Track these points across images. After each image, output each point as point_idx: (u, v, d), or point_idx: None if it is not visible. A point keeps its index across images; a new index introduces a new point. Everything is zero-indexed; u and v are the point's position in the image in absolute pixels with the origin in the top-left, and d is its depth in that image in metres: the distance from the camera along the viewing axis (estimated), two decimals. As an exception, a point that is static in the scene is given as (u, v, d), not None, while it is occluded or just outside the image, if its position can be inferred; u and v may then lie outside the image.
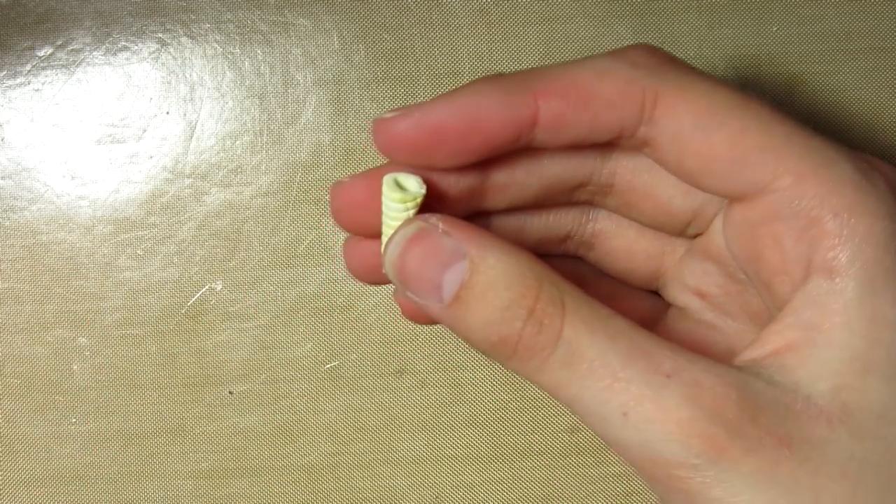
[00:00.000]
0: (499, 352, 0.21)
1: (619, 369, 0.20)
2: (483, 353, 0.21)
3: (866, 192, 0.20)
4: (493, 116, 0.21)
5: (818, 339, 0.20)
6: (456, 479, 0.33)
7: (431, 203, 0.23)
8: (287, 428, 0.33)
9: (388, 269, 0.22)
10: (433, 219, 0.21)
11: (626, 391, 0.19)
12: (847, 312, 0.20)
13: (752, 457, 0.19)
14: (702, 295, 0.25)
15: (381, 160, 0.23)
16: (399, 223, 0.22)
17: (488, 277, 0.20)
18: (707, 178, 0.22)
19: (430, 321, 0.25)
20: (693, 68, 0.22)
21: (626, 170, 0.24)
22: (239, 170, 0.33)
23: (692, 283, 0.25)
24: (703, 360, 0.20)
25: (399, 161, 0.22)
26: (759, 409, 0.19)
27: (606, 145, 0.23)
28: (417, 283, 0.21)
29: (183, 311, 0.33)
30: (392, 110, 0.22)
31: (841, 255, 0.20)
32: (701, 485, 0.19)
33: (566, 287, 0.21)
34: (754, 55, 0.32)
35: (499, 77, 0.22)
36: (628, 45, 0.23)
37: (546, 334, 0.20)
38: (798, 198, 0.20)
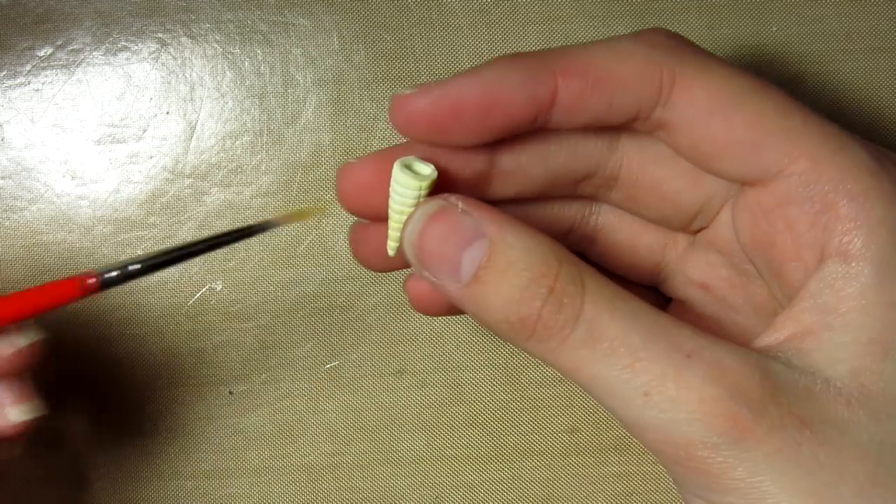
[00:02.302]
0: (517, 332, 0.20)
1: (641, 348, 0.19)
2: (499, 334, 0.21)
3: (881, 178, 0.20)
4: (513, 94, 0.21)
5: (835, 323, 0.20)
6: (456, 479, 0.33)
7: (438, 191, 0.23)
8: (287, 428, 0.32)
9: (407, 247, 0.22)
10: (452, 198, 0.21)
11: (649, 371, 0.19)
12: (864, 296, 0.20)
13: (775, 437, 0.19)
14: (706, 287, 0.25)
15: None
16: (409, 208, 0.22)
17: (508, 257, 0.20)
18: (722, 161, 0.22)
19: (440, 312, 0.25)
20: (709, 53, 0.22)
21: (632, 161, 0.24)
22: (239, 170, 0.33)
23: (696, 276, 0.25)
24: (722, 342, 0.20)
25: (416, 138, 0.22)
26: (781, 390, 0.19)
27: (617, 131, 0.23)
28: (436, 261, 0.21)
29: (183, 311, 0.33)
30: (411, 87, 0.22)
31: (856, 240, 0.20)
32: (722, 465, 0.19)
33: (585, 267, 0.21)
34: (754, 55, 0.32)
35: (518, 56, 0.22)
36: (646, 29, 0.23)
37: (566, 313, 0.20)
38: (813, 182, 0.20)
